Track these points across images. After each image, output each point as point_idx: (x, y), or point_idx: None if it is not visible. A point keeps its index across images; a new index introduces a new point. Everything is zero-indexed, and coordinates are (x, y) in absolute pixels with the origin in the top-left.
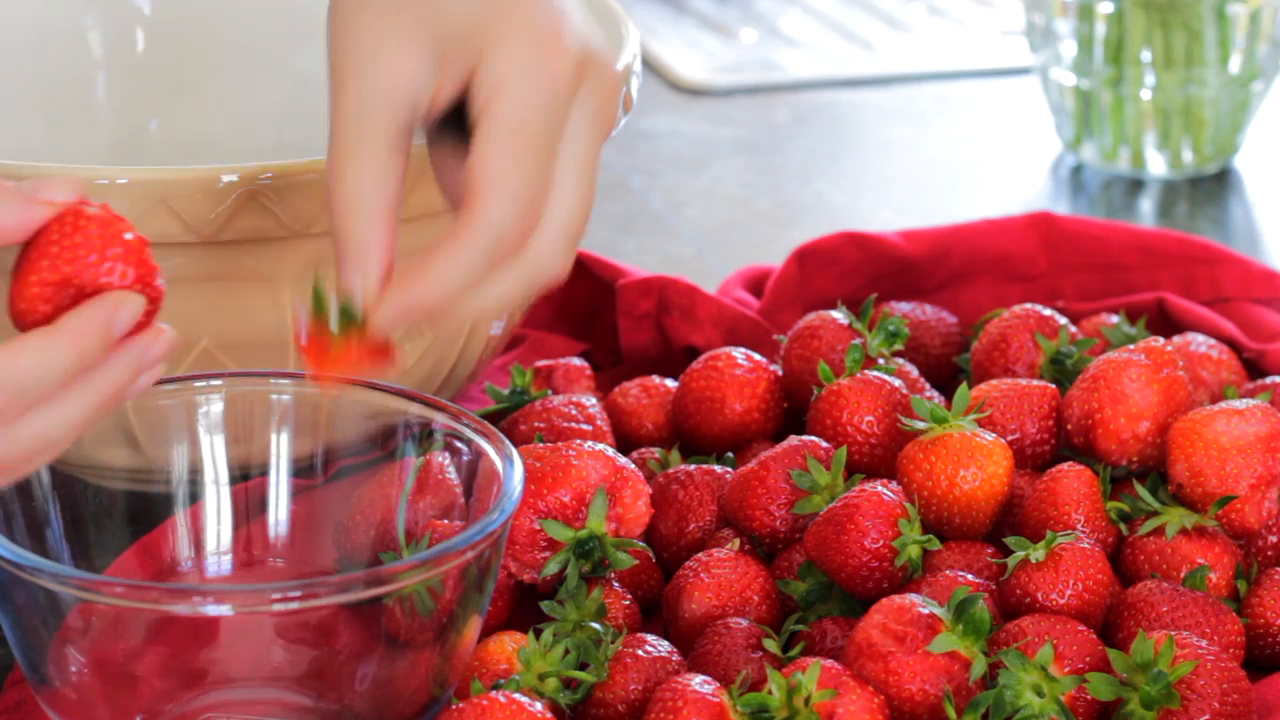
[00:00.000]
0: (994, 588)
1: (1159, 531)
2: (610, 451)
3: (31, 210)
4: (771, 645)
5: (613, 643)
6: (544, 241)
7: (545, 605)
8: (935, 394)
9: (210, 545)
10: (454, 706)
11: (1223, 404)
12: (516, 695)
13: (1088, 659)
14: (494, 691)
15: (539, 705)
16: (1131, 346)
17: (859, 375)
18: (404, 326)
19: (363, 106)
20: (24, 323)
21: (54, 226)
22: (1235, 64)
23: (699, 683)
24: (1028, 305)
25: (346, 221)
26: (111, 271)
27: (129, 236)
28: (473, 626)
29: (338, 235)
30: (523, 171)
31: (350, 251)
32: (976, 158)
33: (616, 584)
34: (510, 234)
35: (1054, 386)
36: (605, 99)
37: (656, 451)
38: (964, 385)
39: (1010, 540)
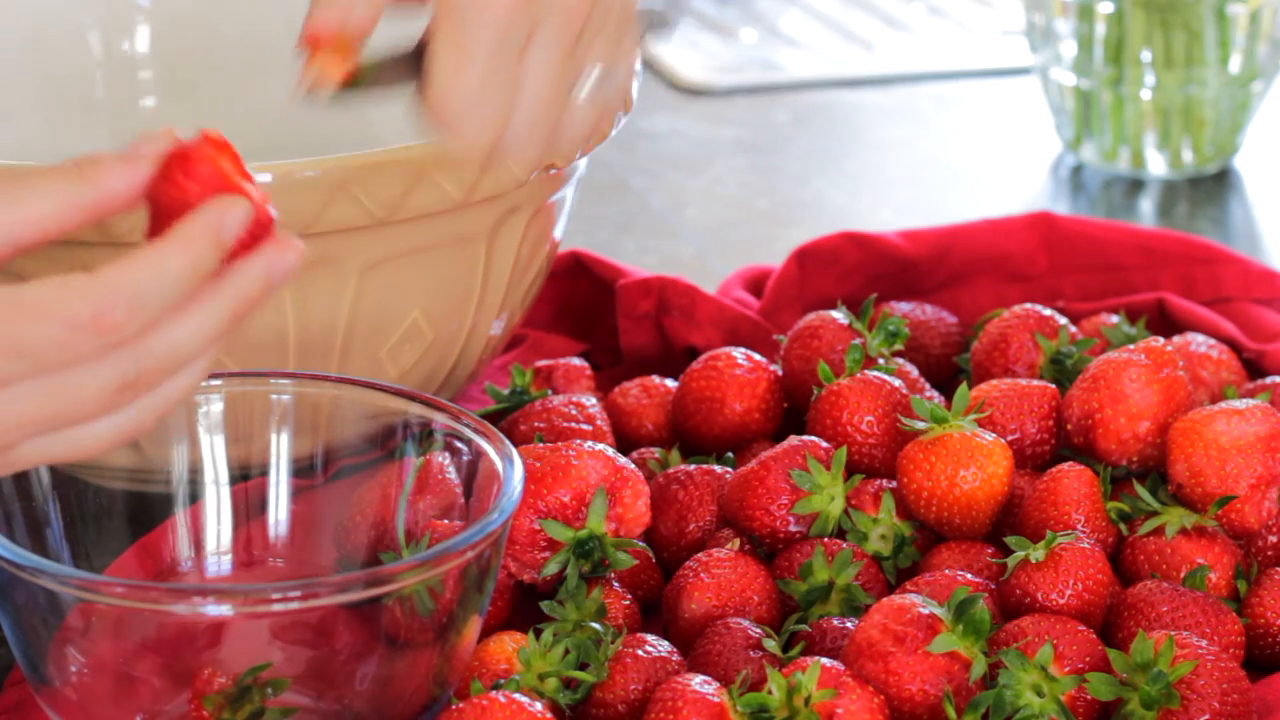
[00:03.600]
0: (994, 588)
1: (1159, 531)
2: (610, 451)
3: (135, 169)
4: (771, 645)
5: (613, 643)
6: (513, 139)
7: (545, 605)
8: (935, 394)
9: (210, 545)
10: (454, 706)
11: (1223, 404)
12: (516, 695)
13: (1088, 659)
14: (494, 691)
15: (539, 705)
16: (1131, 346)
17: (859, 375)
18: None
19: None
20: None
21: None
22: (1235, 64)
23: (699, 683)
24: (1028, 305)
25: None
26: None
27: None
28: (473, 626)
29: None
30: (474, 85)
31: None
32: (976, 158)
33: (616, 584)
34: (473, 133)
35: (1054, 386)
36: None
37: (656, 451)
38: (964, 385)
39: (1010, 540)
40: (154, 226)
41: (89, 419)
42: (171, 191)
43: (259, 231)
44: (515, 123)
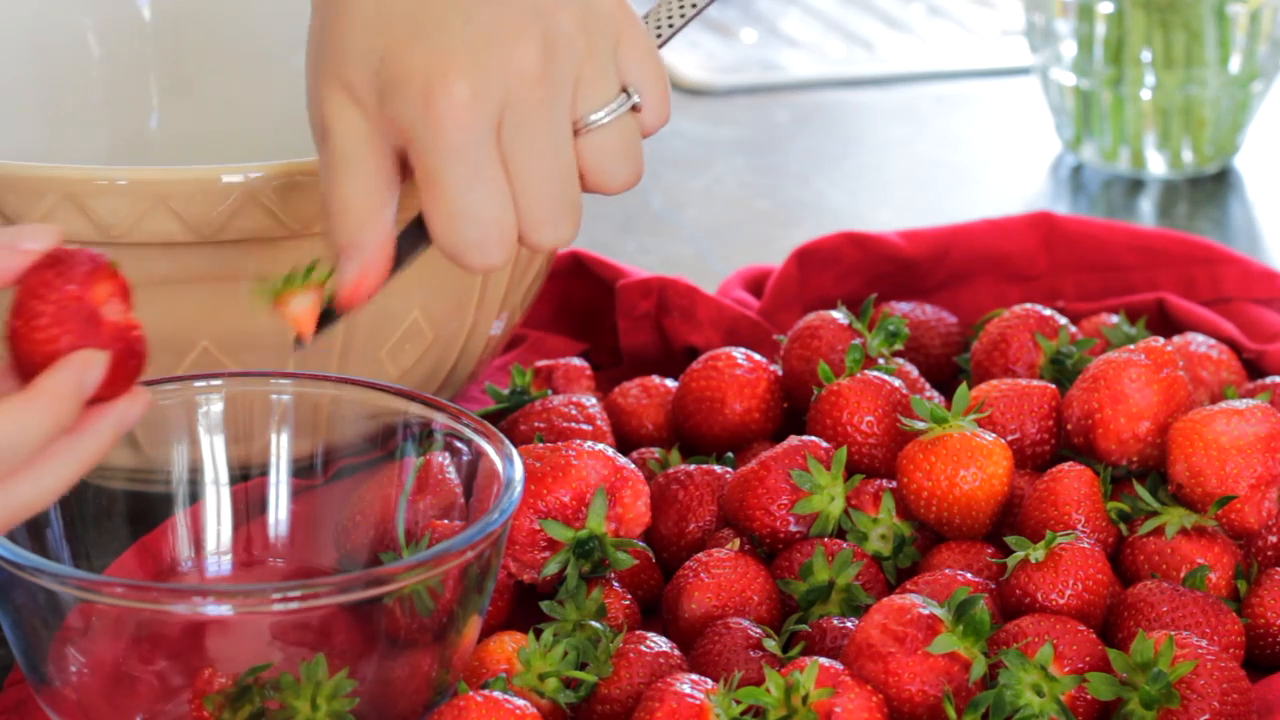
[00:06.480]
0: (994, 588)
1: (1159, 531)
2: (610, 451)
3: (13, 258)
4: (771, 645)
5: (613, 642)
6: (533, 224)
7: (545, 605)
8: (935, 394)
9: (210, 545)
10: (453, 706)
11: (1223, 404)
12: (508, 695)
13: (1088, 659)
14: (486, 690)
15: (521, 700)
16: (1131, 346)
17: (859, 375)
18: None
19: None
20: (35, 359)
21: (44, 273)
22: (1235, 64)
23: (683, 682)
24: (1028, 305)
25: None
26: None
27: (113, 286)
28: (473, 626)
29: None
30: (469, 212)
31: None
32: (976, 158)
33: (616, 584)
34: (494, 252)
35: (1054, 386)
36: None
37: (656, 451)
38: (964, 385)
39: (1010, 540)
40: (18, 363)
41: None
42: (37, 338)
43: (125, 373)
44: (527, 210)
